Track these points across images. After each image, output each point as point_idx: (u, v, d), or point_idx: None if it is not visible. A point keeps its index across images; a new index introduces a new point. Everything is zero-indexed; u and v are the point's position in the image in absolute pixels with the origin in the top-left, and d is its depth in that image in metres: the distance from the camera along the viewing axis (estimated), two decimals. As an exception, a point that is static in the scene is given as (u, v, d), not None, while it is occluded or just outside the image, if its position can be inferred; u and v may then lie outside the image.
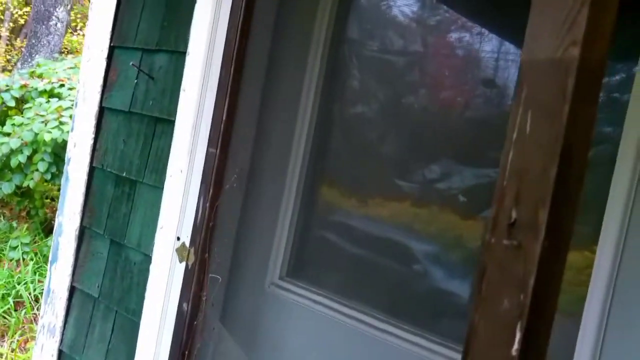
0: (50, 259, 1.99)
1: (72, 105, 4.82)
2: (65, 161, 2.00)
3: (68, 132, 4.67)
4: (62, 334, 1.92)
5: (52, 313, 1.94)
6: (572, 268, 1.54)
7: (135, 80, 1.83)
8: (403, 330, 1.62)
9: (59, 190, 5.26)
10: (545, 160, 0.65)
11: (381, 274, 1.85)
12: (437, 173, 1.81)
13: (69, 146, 1.99)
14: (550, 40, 0.67)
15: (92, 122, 1.92)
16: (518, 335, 0.63)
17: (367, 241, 1.89)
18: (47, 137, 4.55)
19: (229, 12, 1.62)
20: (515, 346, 0.62)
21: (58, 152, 4.74)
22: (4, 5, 11.55)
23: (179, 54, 1.72)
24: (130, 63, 1.82)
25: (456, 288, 1.75)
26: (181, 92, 1.67)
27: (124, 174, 1.81)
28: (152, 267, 1.65)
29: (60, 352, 1.92)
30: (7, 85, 5.35)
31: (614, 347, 1.31)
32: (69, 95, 5.26)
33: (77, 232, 1.91)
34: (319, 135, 1.90)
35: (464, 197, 1.76)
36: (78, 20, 11.70)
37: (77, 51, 10.60)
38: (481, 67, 1.91)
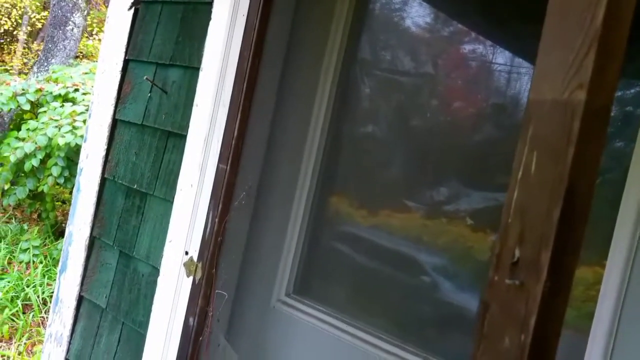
0: (59, 268, 2.02)
1: (86, 109, 4.89)
2: (78, 172, 2.03)
3: (81, 136, 4.74)
4: (69, 343, 1.94)
5: (60, 322, 1.97)
6: (582, 283, 1.54)
7: (149, 94, 1.86)
8: (410, 353, 1.62)
9: (70, 193, 5.32)
10: (550, 201, 0.66)
11: (390, 294, 1.85)
12: (447, 194, 1.82)
13: (82, 157, 2.02)
14: (557, 81, 0.68)
15: (105, 134, 1.96)
16: (519, 375, 0.64)
17: (376, 260, 1.90)
18: (61, 142, 4.62)
19: (242, 30, 1.64)
20: (516, 386, 0.63)
21: (71, 157, 4.81)
22: (22, 10, 11.75)
23: (193, 70, 1.75)
24: (144, 77, 1.85)
25: (467, 310, 1.75)
26: (194, 107, 1.70)
27: (135, 186, 1.83)
28: (160, 280, 1.66)
29: (66, 361, 1.95)
30: (23, 89, 5.44)
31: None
32: (83, 100, 5.34)
33: (86, 242, 1.94)
34: (329, 153, 1.91)
35: (471, 219, 1.76)
36: (94, 25, 11.86)
37: (92, 55, 10.74)
38: (494, 89, 1.92)
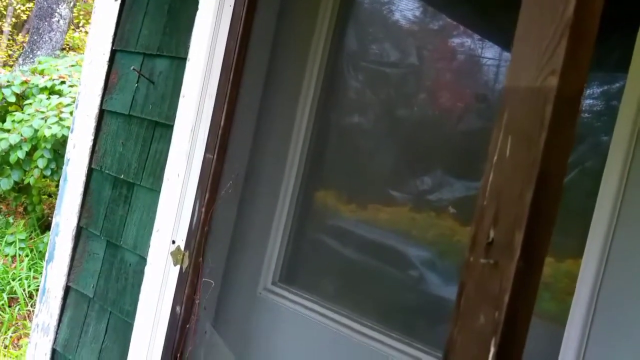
0: (46, 258, 2.02)
1: (73, 102, 4.85)
2: (64, 162, 2.03)
3: (68, 127, 4.71)
4: (56, 333, 1.95)
5: (47, 312, 1.97)
6: (567, 276, 1.58)
7: (136, 84, 1.86)
8: (394, 339, 1.65)
9: (57, 186, 5.28)
10: (523, 184, 0.68)
11: (374, 282, 1.88)
12: (430, 184, 1.85)
13: (69, 147, 2.02)
14: (531, 69, 0.71)
15: (92, 124, 1.95)
16: (492, 350, 0.66)
17: (361, 249, 1.92)
18: (47, 133, 4.58)
19: (229, 21, 1.65)
20: (490, 360, 0.66)
21: (57, 149, 4.77)
22: (6, 1, 11.57)
23: (180, 60, 1.75)
24: (131, 67, 1.85)
25: (450, 297, 1.78)
26: (180, 98, 1.70)
27: (122, 176, 1.84)
28: (147, 269, 1.68)
29: (53, 351, 1.95)
30: (8, 81, 5.38)
31: (597, 352, 1.35)
32: (70, 92, 5.29)
33: (74, 232, 1.94)
34: (315, 143, 1.93)
35: (454, 209, 1.79)
36: (80, 17, 11.72)
37: (79, 48, 10.63)
38: (479, 80, 1.95)
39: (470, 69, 1.96)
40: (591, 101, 1.71)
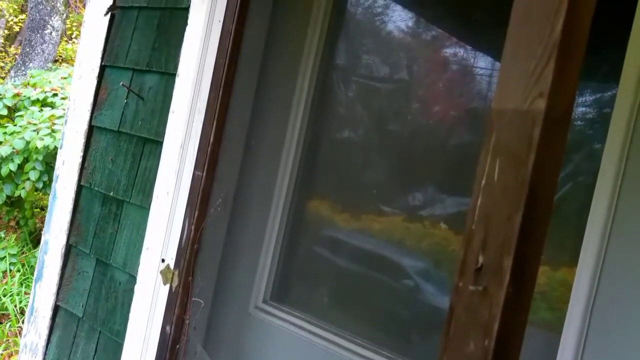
0: (35, 277, 1.99)
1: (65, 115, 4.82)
2: (54, 178, 2.00)
3: (60, 139, 4.67)
4: (45, 354, 1.91)
5: (35, 332, 1.94)
6: (563, 285, 1.57)
7: (125, 100, 1.85)
8: (386, 358, 1.63)
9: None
10: (511, 206, 0.67)
11: (366, 301, 1.86)
12: (422, 200, 1.84)
13: (58, 163, 2.00)
14: (518, 91, 0.70)
15: (81, 141, 1.94)
16: (483, 379, 0.65)
17: (352, 267, 1.91)
18: (39, 144, 4.54)
19: (219, 36, 1.64)
20: (480, 390, 0.64)
21: (49, 161, 4.73)
22: (-1, 13, 11.56)
23: (169, 76, 1.74)
24: (120, 83, 1.84)
25: (443, 312, 1.76)
26: (170, 114, 1.69)
27: (112, 194, 1.82)
28: (137, 288, 1.65)
29: (42, 372, 1.92)
30: (0, 94, 5.35)
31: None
32: (62, 104, 5.26)
33: (63, 251, 1.91)
34: (307, 158, 1.92)
35: (445, 224, 1.77)
36: (73, 29, 11.72)
37: (71, 60, 10.61)
38: (472, 92, 1.94)
39: (463, 82, 1.96)
40: (584, 109, 1.71)
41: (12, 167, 4.62)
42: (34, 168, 4.66)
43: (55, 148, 4.53)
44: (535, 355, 1.52)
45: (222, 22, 1.64)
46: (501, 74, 0.72)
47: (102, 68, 1.95)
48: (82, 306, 1.84)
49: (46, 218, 2.00)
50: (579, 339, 1.36)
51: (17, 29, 11.94)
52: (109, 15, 1.95)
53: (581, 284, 1.37)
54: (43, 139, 4.59)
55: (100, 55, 1.94)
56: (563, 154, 0.70)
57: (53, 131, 4.71)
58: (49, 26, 8.09)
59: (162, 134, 1.70)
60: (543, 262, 1.61)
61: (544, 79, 0.68)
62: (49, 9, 8.11)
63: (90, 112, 1.94)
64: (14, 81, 7.17)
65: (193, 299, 1.55)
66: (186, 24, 1.69)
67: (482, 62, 1.94)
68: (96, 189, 1.87)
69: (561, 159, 0.69)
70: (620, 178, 1.36)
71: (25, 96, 5.34)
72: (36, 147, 4.56)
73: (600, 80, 1.69)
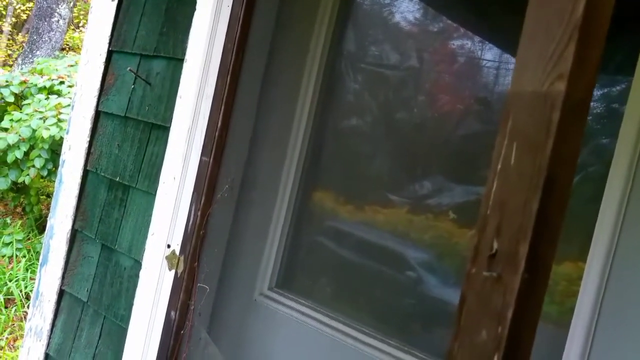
0: (40, 261, 1.99)
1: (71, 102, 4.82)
2: (60, 163, 2.00)
3: (66, 129, 4.66)
4: (50, 338, 1.92)
5: (40, 316, 1.94)
6: (566, 279, 1.55)
7: (132, 86, 1.83)
8: (391, 347, 1.62)
9: (54, 187, 5.25)
10: (528, 192, 0.65)
11: (372, 287, 1.85)
12: (431, 188, 1.82)
13: (64, 149, 1.99)
14: (537, 73, 0.68)
15: (88, 126, 1.93)
16: (495, 367, 0.63)
17: (358, 254, 1.89)
18: (45, 134, 4.55)
19: (227, 22, 1.62)
20: (492, 378, 0.63)
21: (55, 149, 4.74)
22: (6, 1, 11.56)
23: (177, 61, 1.73)
24: (128, 68, 1.83)
25: (448, 303, 1.75)
26: (177, 99, 1.67)
27: (118, 179, 1.81)
28: (142, 274, 1.64)
29: (47, 356, 1.92)
30: (7, 81, 5.35)
31: (601, 356, 1.32)
32: (69, 92, 5.26)
33: (68, 235, 1.91)
34: (314, 146, 1.90)
35: (454, 214, 1.76)
36: (81, 17, 11.71)
37: (78, 48, 10.61)
38: (480, 83, 1.92)
39: (471, 72, 1.93)
40: (595, 103, 1.68)
41: (18, 154, 4.63)
42: (39, 155, 4.67)
43: (61, 137, 4.54)
44: (540, 349, 1.51)
45: (230, 7, 1.62)
46: (519, 55, 0.70)
47: (110, 53, 1.94)
48: (87, 291, 1.83)
49: (52, 203, 2.00)
50: (588, 332, 1.34)
51: (24, 16, 11.94)
52: (116, 1, 1.94)
53: (591, 277, 1.35)
54: (49, 129, 4.59)
55: (107, 41, 1.93)
56: (581, 138, 0.68)
57: (59, 120, 4.72)
58: (56, 14, 8.08)
59: (169, 119, 1.69)
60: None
61: (564, 60, 0.66)
62: (56, -4, 8.09)
63: (97, 97, 1.92)
64: (21, 69, 7.18)
65: (198, 284, 1.54)
66: (194, 9, 1.67)
67: (490, 52, 1.92)
68: (102, 174, 1.86)
69: (580, 144, 0.67)
70: (634, 171, 1.34)
71: (32, 83, 5.34)
72: (42, 137, 4.56)
73: (613, 72, 1.66)
